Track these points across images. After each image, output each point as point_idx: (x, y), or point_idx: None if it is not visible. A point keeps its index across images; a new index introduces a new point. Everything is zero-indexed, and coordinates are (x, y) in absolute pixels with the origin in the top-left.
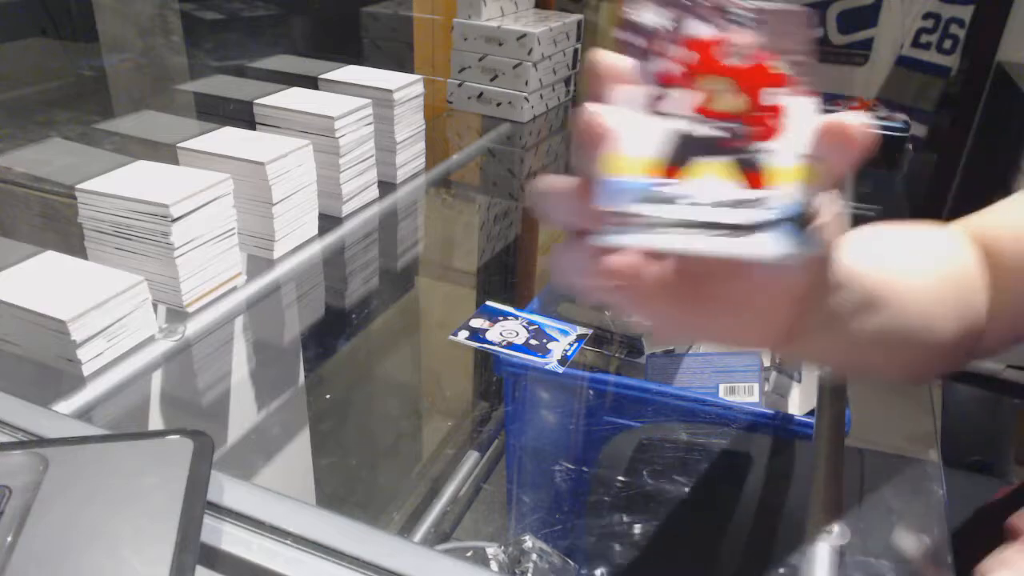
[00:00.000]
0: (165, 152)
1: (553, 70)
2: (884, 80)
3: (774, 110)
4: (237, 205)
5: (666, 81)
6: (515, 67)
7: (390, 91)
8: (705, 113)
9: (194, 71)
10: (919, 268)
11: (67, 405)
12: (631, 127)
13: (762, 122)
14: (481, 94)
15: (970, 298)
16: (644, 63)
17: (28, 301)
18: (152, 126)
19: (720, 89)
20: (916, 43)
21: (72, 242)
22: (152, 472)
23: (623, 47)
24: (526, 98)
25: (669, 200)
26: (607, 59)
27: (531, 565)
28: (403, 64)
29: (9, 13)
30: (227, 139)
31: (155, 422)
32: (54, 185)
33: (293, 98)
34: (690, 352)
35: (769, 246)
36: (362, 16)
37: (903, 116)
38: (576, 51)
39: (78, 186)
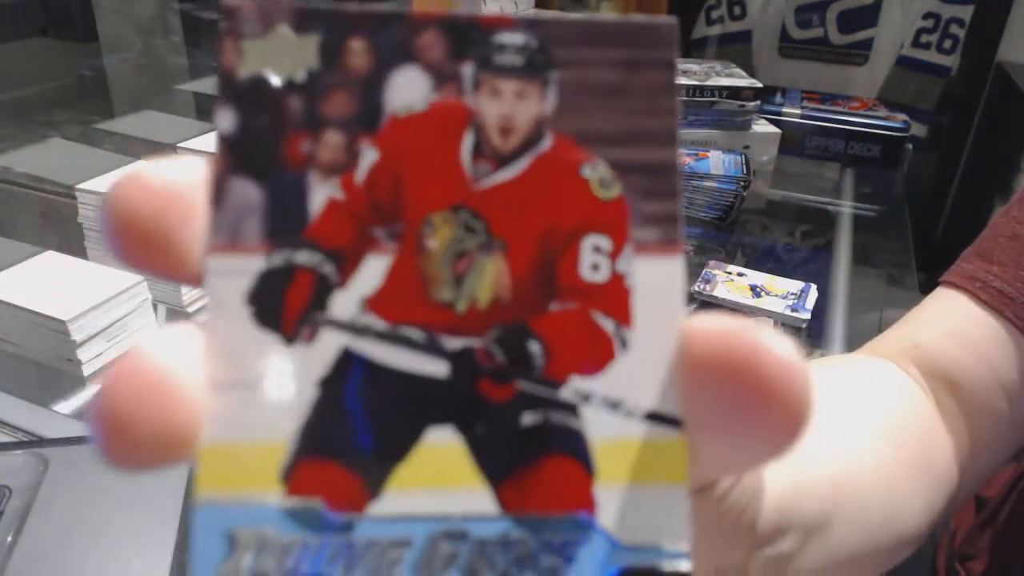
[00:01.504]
0: (165, 152)
1: None
2: (884, 80)
3: (594, 293)
4: None
5: (326, 233)
6: None
7: None
8: (424, 314)
9: (194, 71)
10: (869, 445)
11: (67, 405)
12: (246, 365)
13: (566, 329)
14: None
15: (936, 460)
16: (270, 184)
17: (28, 301)
18: (152, 126)
19: (459, 245)
20: (916, 43)
21: (72, 242)
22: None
23: (225, 145)
24: None
25: (337, 557)
26: (158, 182)
27: None
28: None
29: (10, 13)
30: None
31: None
32: (54, 185)
33: None
34: None
35: None
36: None
37: (903, 116)
38: None
39: (78, 186)
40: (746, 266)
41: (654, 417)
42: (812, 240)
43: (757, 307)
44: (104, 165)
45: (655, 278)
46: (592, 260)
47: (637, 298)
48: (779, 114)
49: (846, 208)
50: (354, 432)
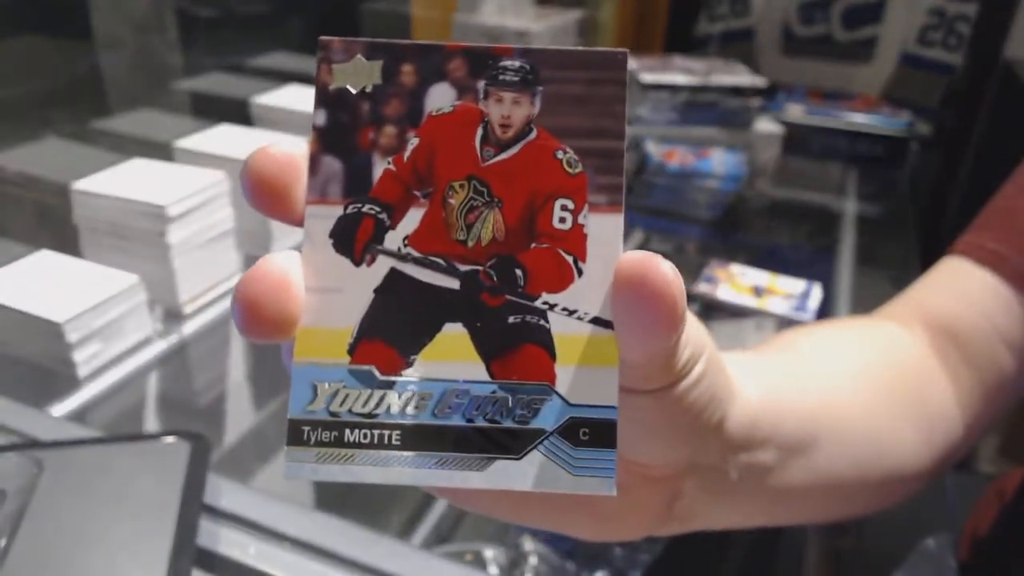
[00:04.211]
0: (161, 150)
1: None
2: (889, 77)
3: (561, 237)
4: (234, 204)
5: (382, 193)
6: None
7: None
8: (445, 248)
9: (190, 69)
10: (855, 383)
11: (62, 407)
12: (328, 277)
13: (541, 260)
14: None
15: (931, 400)
16: (347, 160)
17: (22, 302)
18: (148, 124)
19: (470, 203)
20: (921, 40)
21: (67, 242)
22: (148, 475)
23: (318, 133)
24: None
25: (382, 402)
26: (279, 153)
27: (530, 567)
28: None
29: (2, 10)
30: (224, 137)
31: (151, 424)
32: (48, 184)
33: (290, 96)
34: None
35: (528, 475)
36: (360, 13)
37: (908, 114)
38: None
39: (73, 185)
40: (749, 266)
41: (596, 321)
42: (815, 239)
43: (760, 307)
44: (99, 164)
45: (602, 229)
46: (560, 215)
47: (590, 241)
48: (782, 112)
49: (850, 207)
50: (397, 323)
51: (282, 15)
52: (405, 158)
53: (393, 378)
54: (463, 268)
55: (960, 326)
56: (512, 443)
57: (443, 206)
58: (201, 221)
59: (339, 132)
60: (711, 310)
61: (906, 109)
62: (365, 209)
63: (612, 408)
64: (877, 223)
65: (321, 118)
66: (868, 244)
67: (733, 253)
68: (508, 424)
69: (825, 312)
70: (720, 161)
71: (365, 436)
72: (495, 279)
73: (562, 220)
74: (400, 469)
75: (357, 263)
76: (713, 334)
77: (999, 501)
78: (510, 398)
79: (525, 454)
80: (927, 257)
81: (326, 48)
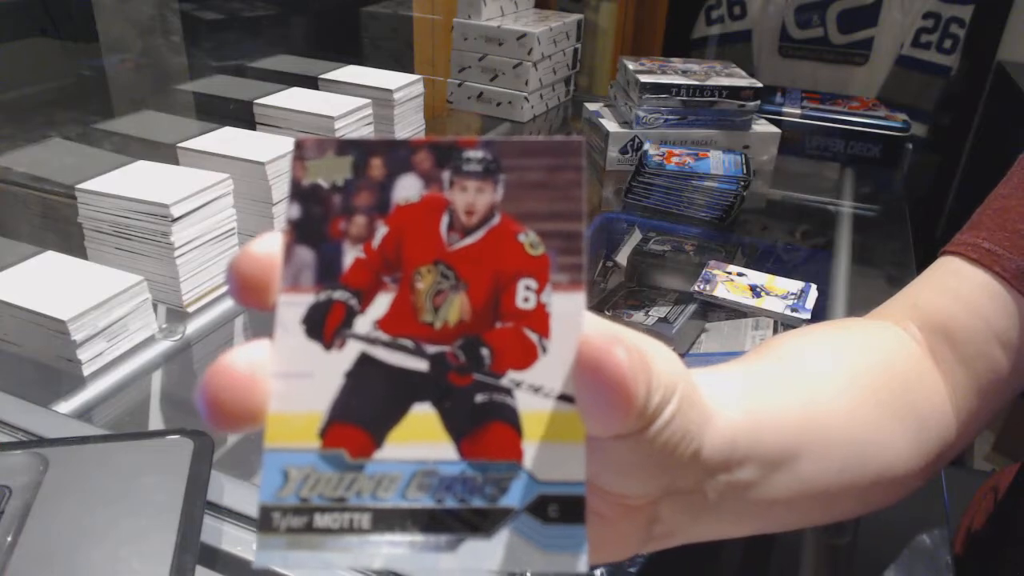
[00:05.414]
0: (165, 152)
1: (553, 70)
2: (884, 80)
3: (525, 316)
4: (237, 205)
5: (352, 280)
6: (515, 67)
7: (390, 91)
8: (414, 330)
9: (194, 71)
10: (843, 388)
11: (67, 405)
12: (299, 363)
13: (506, 340)
14: (481, 94)
15: (923, 401)
16: (319, 250)
17: (28, 301)
18: (152, 126)
19: (437, 286)
20: (916, 43)
21: (72, 242)
22: (152, 472)
23: (291, 226)
24: (526, 98)
25: (353, 485)
26: (260, 254)
27: None
28: (403, 64)
29: (9, 13)
30: (227, 139)
31: (155, 422)
32: (54, 185)
33: (293, 98)
34: (689, 353)
35: (499, 554)
36: (362, 16)
37: (903, 116)
38: (576, 51)
39: (78, 186)
40: (746, 266)
41: (562, 397)
42: (812, 240)
43: (757, 307)
44: (104, 165)
45: (565, 307)
46: (524, 295)
47: (553, 320)
48: (779, 114)
49: (846, 208)
50: (367, 405)
51: (285, 18)
52: (374, 245)
53: (363, 461)
54: (431, 349)
55: (955, 325)
56: (481, 522)
57: (411, 290)
58: (204, 221)
59: (312, 224)
60: (709, 309)
61: (902, 110)
62: (336, 295)
63: (580, 484)
64: (873, 223)
65: (295, 211)
66: (864, 244)
67: (731, 253)
68: (477, 503)
69: (822, 311)
70: (718, 162)
71: (335, 521)
72: (462, 359)
73: (526, 300)
74: (371, 553)
75: (327, 347)
76: (711, 334)
77: (993, 497)
78: (479, 477)
79: (495, 533)
80: (923, 256)
81: (300, 147)
